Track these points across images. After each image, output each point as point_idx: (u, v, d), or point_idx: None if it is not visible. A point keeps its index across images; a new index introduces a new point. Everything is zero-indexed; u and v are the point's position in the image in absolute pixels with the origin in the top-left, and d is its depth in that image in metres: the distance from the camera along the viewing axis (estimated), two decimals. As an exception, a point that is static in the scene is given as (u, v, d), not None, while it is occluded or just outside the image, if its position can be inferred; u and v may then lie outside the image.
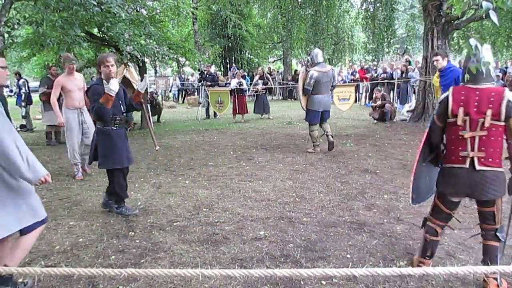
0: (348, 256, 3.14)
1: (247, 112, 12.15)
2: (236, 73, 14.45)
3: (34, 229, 2.54)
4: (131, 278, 2.80)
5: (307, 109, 6.96)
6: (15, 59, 12.27)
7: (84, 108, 5.56)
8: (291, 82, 19.85)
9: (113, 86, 3.71)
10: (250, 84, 15.37)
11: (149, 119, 4.31)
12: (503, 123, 2.45)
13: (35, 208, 2.54)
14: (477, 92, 2.50)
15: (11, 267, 2.27)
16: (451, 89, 2.64)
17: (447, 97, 2.61)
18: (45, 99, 8.11)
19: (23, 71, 17.33)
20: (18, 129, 10.50)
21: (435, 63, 5.46)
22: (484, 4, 1.87)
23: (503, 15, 12.81)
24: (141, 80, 4.35)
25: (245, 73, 21.70)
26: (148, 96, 11.23)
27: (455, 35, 13.73)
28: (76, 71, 5.81)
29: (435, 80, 6.01)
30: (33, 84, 18.45)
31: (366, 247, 3.28)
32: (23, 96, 10.86)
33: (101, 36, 9.73)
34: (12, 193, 2.41)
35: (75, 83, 5.46)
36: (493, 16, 1.90)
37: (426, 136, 2.78)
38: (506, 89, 2.50)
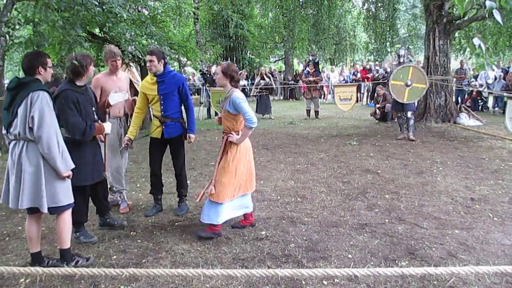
0: (350, 256, 3.14)
1: None
2: None
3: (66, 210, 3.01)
4: (133, 278, 2.80)
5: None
6: (17, 59, 12.32)
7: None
8: (292, 82, 19.84)
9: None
10: (252, 84, 15.35)
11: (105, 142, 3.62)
12: None
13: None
14: None
15: (13, 267, 2.28)
16: None
17: None
18: None
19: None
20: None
21: (148, 64, 4.15)
22: (488, 3, 1.86)
23: (505, 14, 12.77)
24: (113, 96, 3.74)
25: (247, 73, 21.68)
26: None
27: (456, 34, 13.68)
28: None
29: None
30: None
31: (367, 247, 3.28)
32: None
33: (103, 36, 9.75)
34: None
35: (118, 85, 4.25)
36: (497, 16, 1.89)
37: None
38: None
